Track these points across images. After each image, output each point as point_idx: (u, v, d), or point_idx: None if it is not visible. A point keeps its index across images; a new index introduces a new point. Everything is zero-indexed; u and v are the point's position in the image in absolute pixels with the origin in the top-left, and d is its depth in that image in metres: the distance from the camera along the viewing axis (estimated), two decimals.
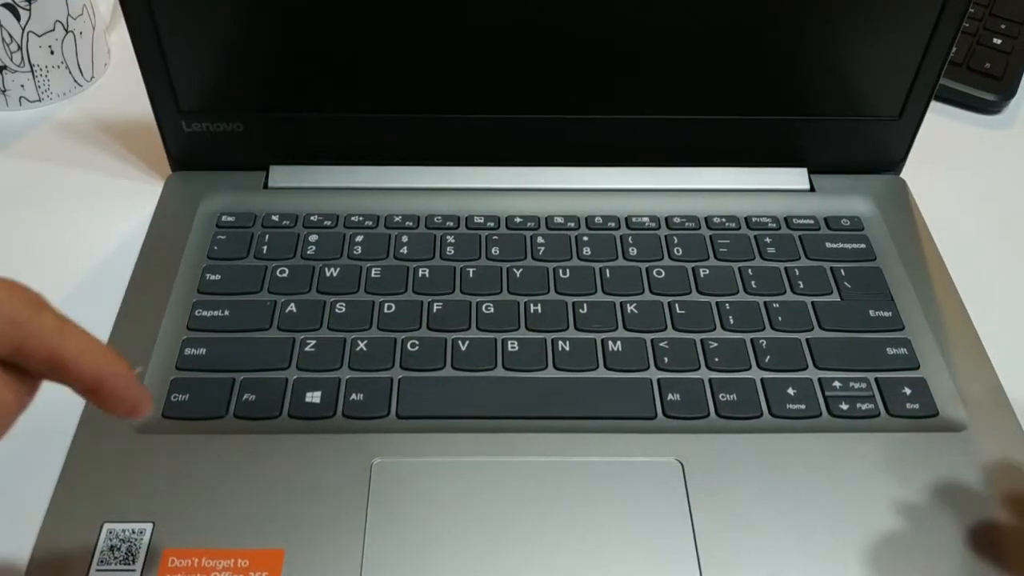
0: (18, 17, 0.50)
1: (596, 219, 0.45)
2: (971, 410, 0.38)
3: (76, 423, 0.36)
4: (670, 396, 0.38)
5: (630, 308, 0.41)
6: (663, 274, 0.43)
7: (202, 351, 0.39)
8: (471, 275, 0.42)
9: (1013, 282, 0.45)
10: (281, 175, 0.47)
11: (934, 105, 0.56)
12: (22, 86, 0.52)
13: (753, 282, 0.42)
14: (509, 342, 0.39)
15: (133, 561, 0.32)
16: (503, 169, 0.47)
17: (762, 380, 0.38)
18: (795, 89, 0.45)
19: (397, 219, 0.45)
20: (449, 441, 0.36)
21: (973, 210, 0.49)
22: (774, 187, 0.48)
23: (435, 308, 0.41)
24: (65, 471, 0.34)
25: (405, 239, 0.44)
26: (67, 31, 0.52)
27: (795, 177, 0.48)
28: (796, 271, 0.43)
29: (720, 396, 0.38)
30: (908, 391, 0.38)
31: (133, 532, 0.32)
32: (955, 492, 0.35)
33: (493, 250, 0.44)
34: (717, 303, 0.41)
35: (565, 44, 0.43)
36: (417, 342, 0.39)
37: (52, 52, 0.52)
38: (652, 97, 0.45)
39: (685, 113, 0.46)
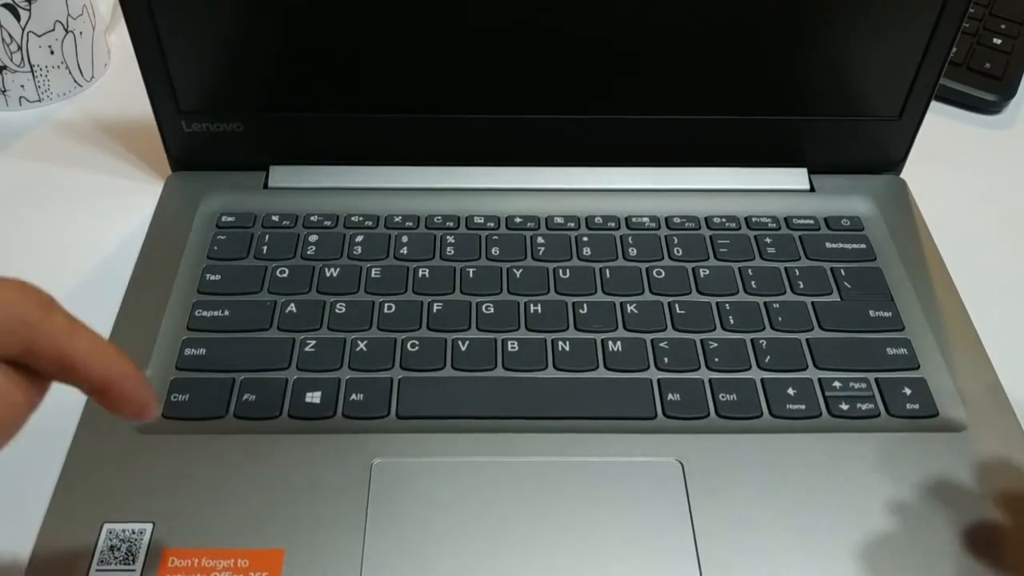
0: (18, 17, 0.50)
1: (596, 219, 0.45)
2: (971, 410, 0.38)
3: (76, 423, 0.36)
4: (670, 396, 0.38)
5: (630, 308, 0.41)
6: (663, 274, 0.43)
7: (202, 351, 0.39)
8: (471, 275, 0.42)
9: (1013, 282, 0.45)
10: (281, 175, 0.47)
11: (934, 105, 0.56)
12: (22, 86, 0.52)
13: (753, 282, 0.42)
14: (509, 342, 0.39)
15: (133, 561, 0.32)
16: (503, 169, 0.47)
17: (762, 380, 0.38)
18: (795, 89, 0.45)
19: (397, 219, 0.45)
20: (449, 441, 0.36)
21: (973, 210, 0.49)
22: (774, 187, 0.48)
23: (435, 308, 0.41)
24: (65, 471, 0.34)
25: (405, 239, 0.44)
26: (67, 31, 0.52)
27: (795, 177, 0.48)
28: (796, 271, 0.43)
29: (720, 396, 0.38)
30: (908, 391, 0.38)
31: (133, 532, 0.32)
32: (955, 492, 0.35)
33: (493, 250, 0.44)
34: (717, 303, 0.41)
35: (565, 44, 0.43)
36: (417, 342, 0.39)
37: (52, 52, 0.52)
38: (652, 97, 0.45)
39: (685, 113, 0.46)
